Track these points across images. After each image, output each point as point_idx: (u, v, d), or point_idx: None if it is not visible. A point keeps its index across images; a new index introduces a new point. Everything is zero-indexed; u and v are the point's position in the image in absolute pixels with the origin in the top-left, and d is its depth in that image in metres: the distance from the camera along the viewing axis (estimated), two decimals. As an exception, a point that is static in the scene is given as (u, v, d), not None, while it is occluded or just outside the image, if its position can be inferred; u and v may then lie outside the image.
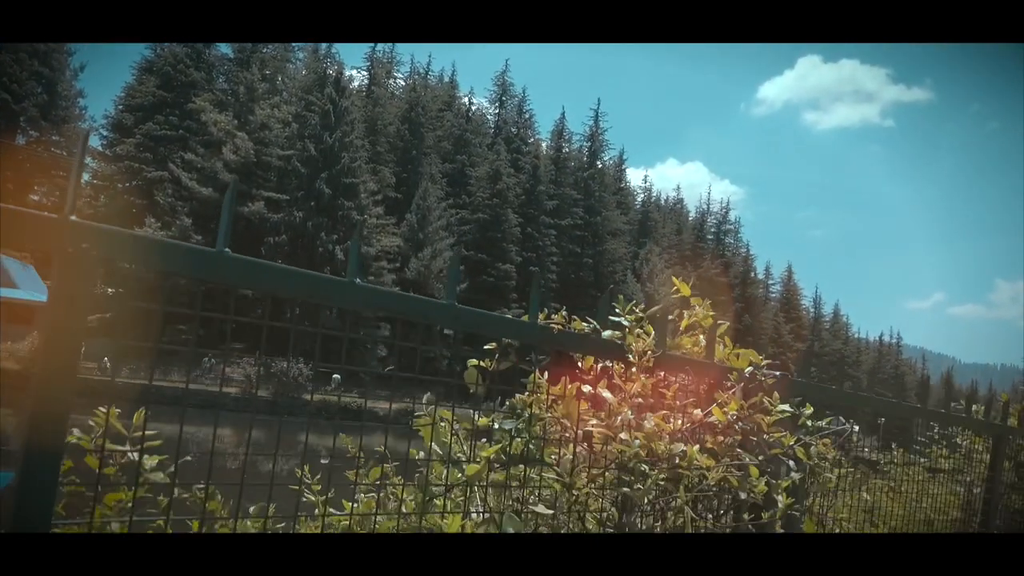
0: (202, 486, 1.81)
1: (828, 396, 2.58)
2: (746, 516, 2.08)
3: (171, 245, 1.23)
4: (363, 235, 43.72)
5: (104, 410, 1.81)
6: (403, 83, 72.10)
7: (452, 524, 1.53)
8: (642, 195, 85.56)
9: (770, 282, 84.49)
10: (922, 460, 5.27)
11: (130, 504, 1.84)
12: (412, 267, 50.85)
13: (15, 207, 1.08)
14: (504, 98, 74.39)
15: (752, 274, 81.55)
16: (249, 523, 2.27)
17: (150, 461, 1.69)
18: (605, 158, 76.10)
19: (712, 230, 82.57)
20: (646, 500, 1.99)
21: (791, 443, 2.27)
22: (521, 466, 1.82)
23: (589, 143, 73.82)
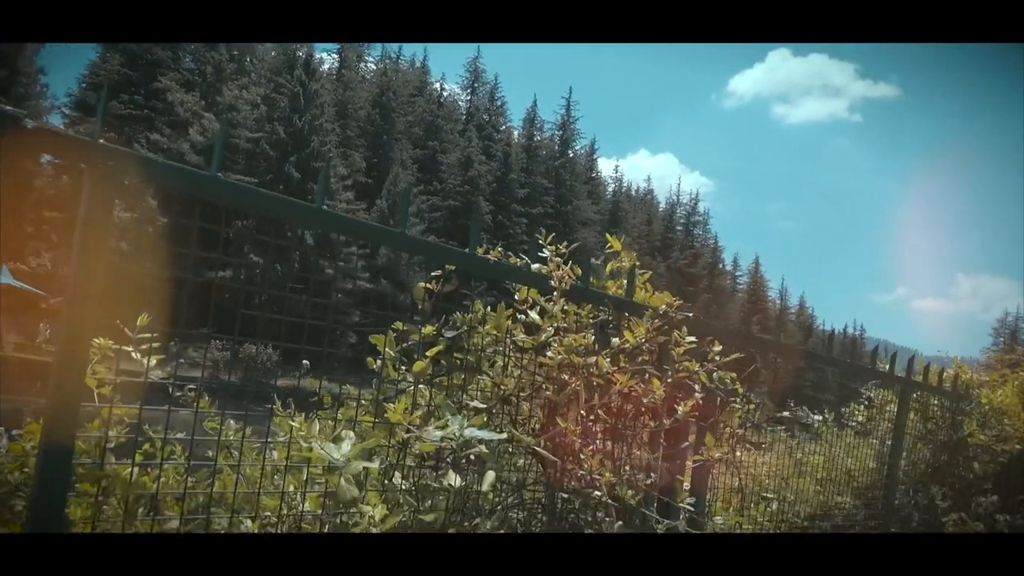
0: (193, 387, 2.14)
1: (727, 335, 3.00)
2: (652, 424, 2.48)
3: (176, 167, 1.57)
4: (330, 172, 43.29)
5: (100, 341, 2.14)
6: (374, 67, 71.60)
7: (396, 411, 1.88)
8: (613, 185, 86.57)
9: (738, 273, 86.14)
10: (851, 424, 5.80)
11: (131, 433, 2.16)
12: (383, 253, 50.86)
13: (60, 129, 1.42)
14: (476, 85, 74.36)
15: (720, 265, 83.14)
16: (232, 435, 2.61)
17: (153, 361, 2.00)
18: (576, 147, 76.76)
19: (681, 221, 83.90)
20: (567, 407, 2.38)
21: (696, 369, 2.69)
22: (461, 374, 2.19)
23: (561, 132, 74.30)
